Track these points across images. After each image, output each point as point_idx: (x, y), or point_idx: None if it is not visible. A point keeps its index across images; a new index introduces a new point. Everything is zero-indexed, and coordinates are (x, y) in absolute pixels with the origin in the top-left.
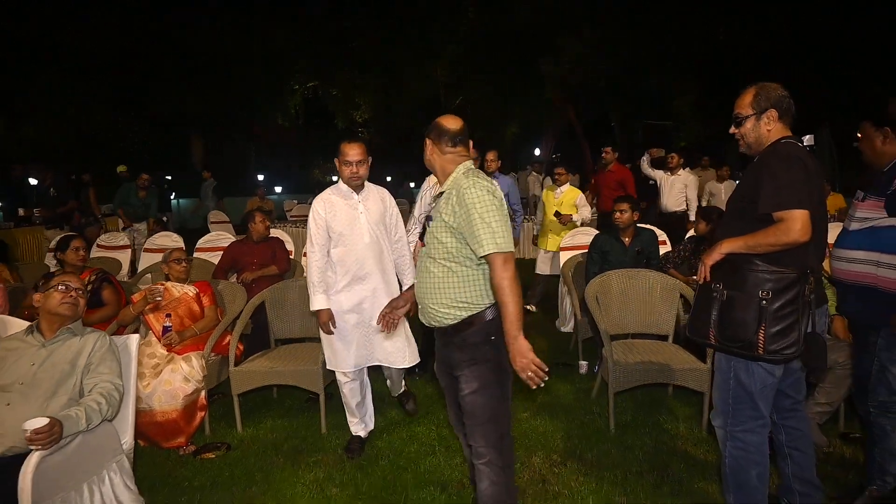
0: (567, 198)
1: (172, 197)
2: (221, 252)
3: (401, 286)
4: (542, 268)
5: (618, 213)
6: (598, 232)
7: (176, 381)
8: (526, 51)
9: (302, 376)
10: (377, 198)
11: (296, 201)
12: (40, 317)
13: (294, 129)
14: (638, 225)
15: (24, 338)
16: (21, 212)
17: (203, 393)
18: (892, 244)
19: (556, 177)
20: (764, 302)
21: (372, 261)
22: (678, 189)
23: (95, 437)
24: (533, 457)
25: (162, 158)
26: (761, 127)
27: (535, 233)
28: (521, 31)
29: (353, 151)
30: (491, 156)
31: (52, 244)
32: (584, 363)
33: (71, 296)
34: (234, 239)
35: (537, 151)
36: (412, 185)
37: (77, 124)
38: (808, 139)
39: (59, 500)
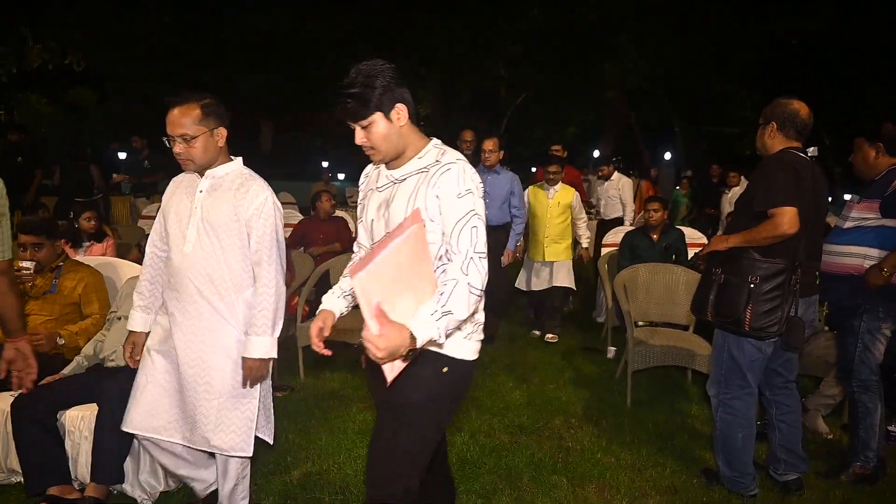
0: (561, 198)
1: None
2: (290, 228)
3: None
4: (534, 282)
5: (651, 213)
6: (629, 229)
7: None
8: (587, 50)
9: (356, 335)
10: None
11: (357, 189)
12: None
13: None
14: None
15: None
16: (115, 178)
17: None
18: (881, 242)
19: (550, 175)
20: (752, 286)
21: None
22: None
23: None
24: (554, 419)
25: (230, 142)
26: (765, 136)
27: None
28: (583, 30)
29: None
30: (489, 145)
31: (145, 211)
32: (612, 349)
33: None
34: (302, 217)
35: (596, 153)
36: None
37: (155, 104)
38: (812, 150)
39: None
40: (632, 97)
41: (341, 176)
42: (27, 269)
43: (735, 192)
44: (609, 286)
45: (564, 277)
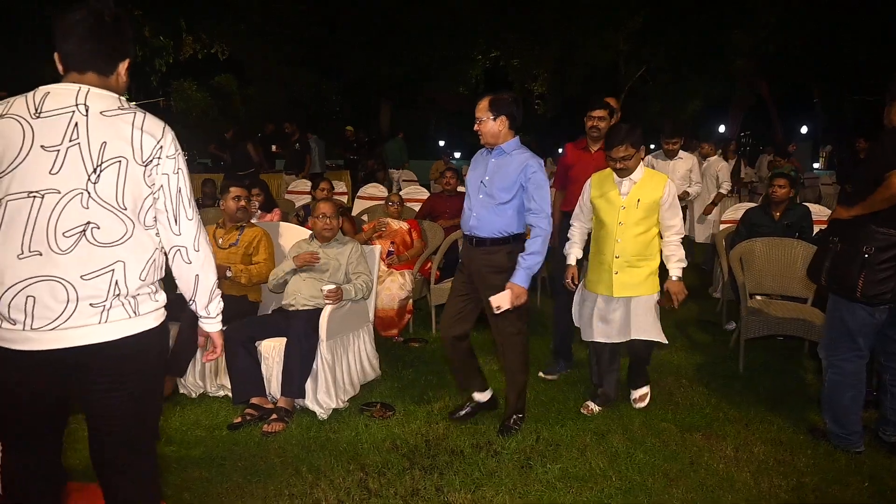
0: (644, 192)
1: None
2: (419, 203)
3: None
4: (598, 329)
5: (775, 188)
6: (751, 205)
7: (393, 288)
8: (713, 18)
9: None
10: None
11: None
12: (315, 232)
13: (473, 98)
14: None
15: (310, 243)
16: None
17: (410, 301)
18: None
19: (613, 163)
20: (867, 255)
21: None
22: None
23: (357, 306)
24: (665, 378)
25: (352, 121)
26: (892, 114)
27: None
28: None
29: None
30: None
31: (291, 186)
32: (732, 323)
33: (328, 222)
34: (428, 193)
35: (722, 128)
36: None
37: (288, 87)
38: None
39: (338, 337)
40: (764, 66)
41: (457, 154)
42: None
43: None
44: (726, 261)
45: (647, 325)
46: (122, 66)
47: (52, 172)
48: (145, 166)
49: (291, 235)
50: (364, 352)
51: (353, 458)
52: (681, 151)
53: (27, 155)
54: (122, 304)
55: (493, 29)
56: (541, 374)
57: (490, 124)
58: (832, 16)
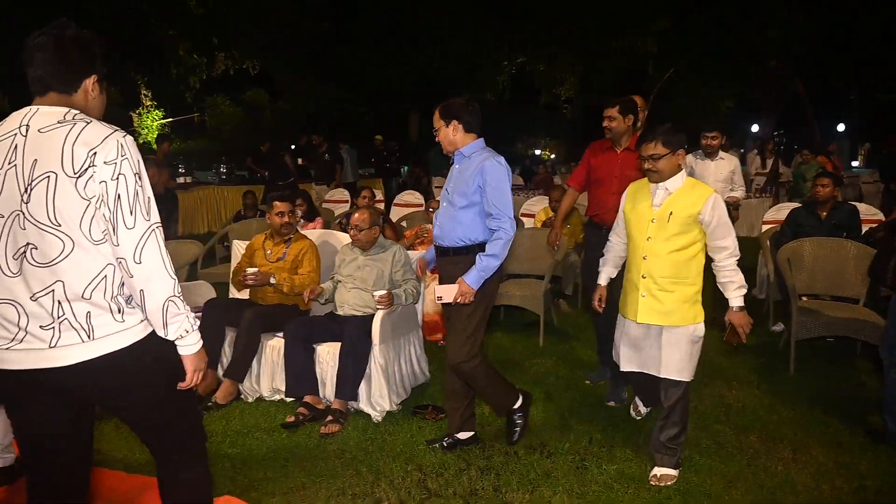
0: (679, 204)
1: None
2: None
3: None
4: (624, 355)
5: (819, 188)
6: (796, 205)
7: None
8: (745, 15)
9: (528, 300)
10: None
11: None
12: (353, 240)
13: (499, 105)
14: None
15: (352, 249)
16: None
17: None
18: None
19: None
20: None
21: None
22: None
23: (407, 311)
24: (714, 381)
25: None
26: None
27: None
28: None
29: None
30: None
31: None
32: (779, 325)
33: (360, 234)
34: None
35: (755, 128)
36: None
37: (316, 100)
38: None
39: (391, 342)
40: (797, 65)
41: None
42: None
43: None
44: (771, 261)
45: (674, 361)
46: (89, 83)
47: None
48: (77, 178)
49: (334, 242)
50: (414, 355)
51: (410, 459)
52: (721, 151)
53: None
54: (73, 328)
55: (519, 35)
56: (587, 381)
57: (444, 132)
58: (861, 12)
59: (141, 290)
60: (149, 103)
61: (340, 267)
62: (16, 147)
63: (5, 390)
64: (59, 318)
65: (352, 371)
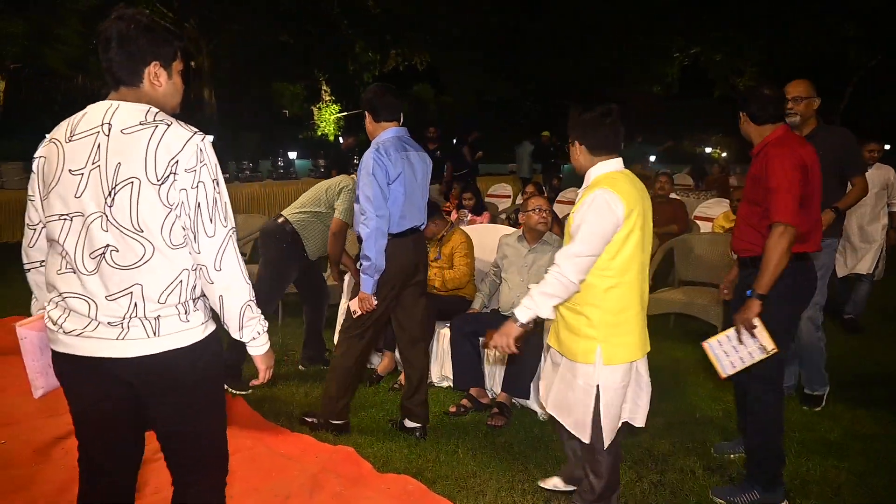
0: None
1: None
2: None
3: None
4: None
5: None
6: None
7: None
8: None
9: (700, 309)
10: None
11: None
12: (525, 230)
13: (666, 98)
14: None
15: (517, 243)
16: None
17: None
18: None
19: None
20: None
21: None
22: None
23: None
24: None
25: (546, 126)
26: None
27: None
28: None
29: None
30: None
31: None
32: None
33: (543, 216)
34: None
35: None
36: None
37: (480, 94)
38: None
39: None
40: None
41: (652, 158)
42: None
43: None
44: None
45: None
46: (152, 70)
47: (76, 196)
48: (160, 185)
49: (499, 235)
50: None
51: None
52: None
53: (59, 179)
54: (142, 324)
55: (695, 23)
56: None
57: (366, 124)
58: None
59: (220, 295)
60: (328, 98)
61: (504, 263)
62: (99, 146)
63: (70, 373)
64: (131, 317)
65: (525, 368)
